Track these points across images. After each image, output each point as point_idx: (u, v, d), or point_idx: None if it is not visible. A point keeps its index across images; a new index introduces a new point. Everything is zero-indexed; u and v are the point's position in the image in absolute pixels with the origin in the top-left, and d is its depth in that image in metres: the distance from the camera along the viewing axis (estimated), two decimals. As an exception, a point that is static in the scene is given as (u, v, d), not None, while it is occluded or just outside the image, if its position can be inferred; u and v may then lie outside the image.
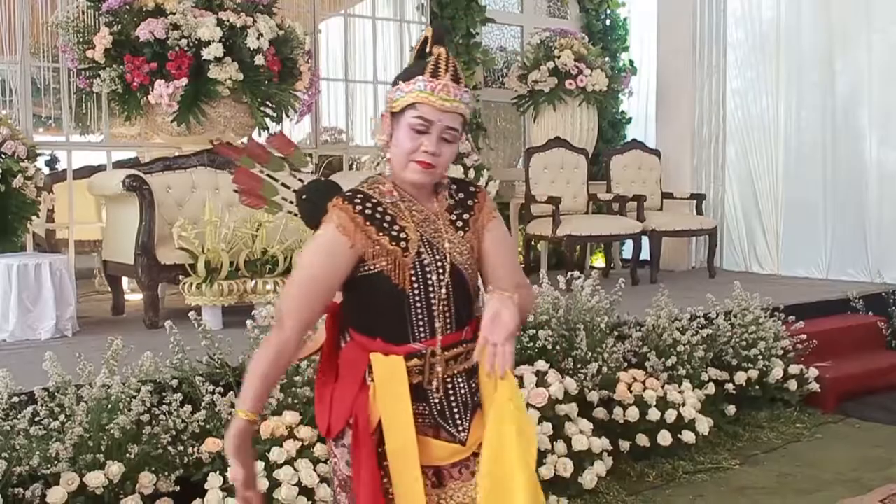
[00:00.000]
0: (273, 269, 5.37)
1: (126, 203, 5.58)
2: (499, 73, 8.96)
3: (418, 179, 2.04)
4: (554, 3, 9.46)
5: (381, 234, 2.02)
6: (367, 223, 2.02)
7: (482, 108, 8.55)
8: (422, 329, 2.04)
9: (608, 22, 9.62)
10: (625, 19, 9.78)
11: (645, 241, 7.79)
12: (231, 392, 3.66)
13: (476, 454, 2.09)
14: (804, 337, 5.65)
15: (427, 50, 2.08)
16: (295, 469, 3.38)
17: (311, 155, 7.26)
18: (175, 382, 3.64)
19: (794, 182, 8.37)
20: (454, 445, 2.09)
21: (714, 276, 8.00)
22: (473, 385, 2.12)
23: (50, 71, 6.46)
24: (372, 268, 2.02)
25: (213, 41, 5.68)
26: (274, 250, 5.39)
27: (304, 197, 2.25)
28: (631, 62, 9.63)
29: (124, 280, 6.22)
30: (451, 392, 2.08)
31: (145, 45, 5.65)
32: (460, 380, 2.10)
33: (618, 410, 4.53)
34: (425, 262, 2.04)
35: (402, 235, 2.03)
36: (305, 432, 3.50)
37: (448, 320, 2.06)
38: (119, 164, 6.58)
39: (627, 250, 8.52)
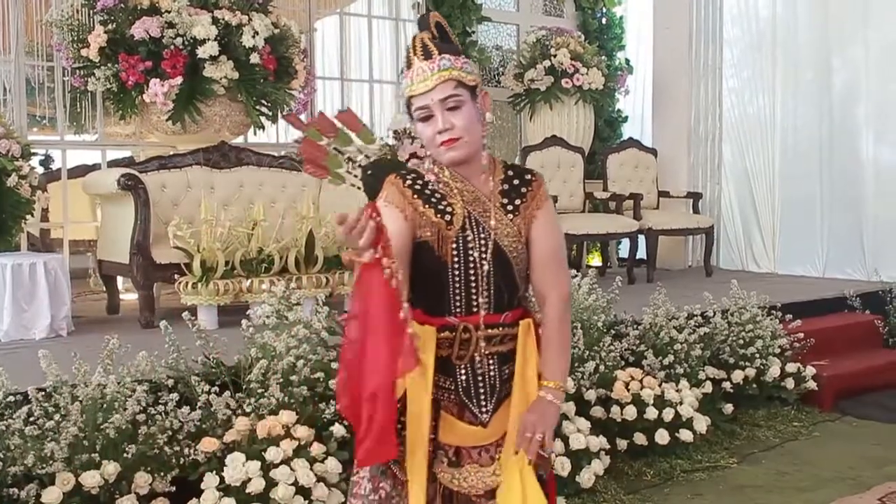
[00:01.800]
0: (269, 268, 5.35)
1: (121, 202, 5.56)
2: (495, 71, 8.95)
3: (454, 156, 2.10)
4: (550, 1, 9.46)
5: (426, 206, 2.11)
6: (415, 196, 2.11)
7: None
8: (458, 304, 2.11)
9: (604, 20, 9.61)
10: (621, 18, 9.77)
11: (641, 239, 7.78)
12: (227, 391, 3.64)
13: (499, 444, 2.13)
14: (801, 335, 5.65)
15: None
16: (291, 469, 3.36)
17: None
18: (171, 382, 3.62)
19: (791, 180, 8.37)
20: (476, 429, 2.12)
21: (711, 275, 8.00)
22: (505, 372, 2.16)
23: (44, 70, 6.45)
24: (420, 237, 2.10)
25: (209, 40, 5.66)
26: (269, 249, 5.37)
27: (369, 172, 2.32)
28: (627, 61, 9.61)
29: (119, 279, 6.20)
30: (479, 371, 2.13)
31: (140, 44, 5.63)
32: (491, 362, 2.14)
33: (615, 409, 4.52)
34: (468, 237, 2.11)
35: (448, 210, 2.11)
36: (302, 432, 3.49)
37: (486, 300, 2.11)
38: (114, 163, 6.55)
39: (624, 249, 8.52)
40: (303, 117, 7.17)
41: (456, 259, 2.09)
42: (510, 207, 2.16)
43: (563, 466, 3.95)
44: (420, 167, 2.19)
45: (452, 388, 2.12)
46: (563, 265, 2.27)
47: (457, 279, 2.10)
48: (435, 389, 2.11)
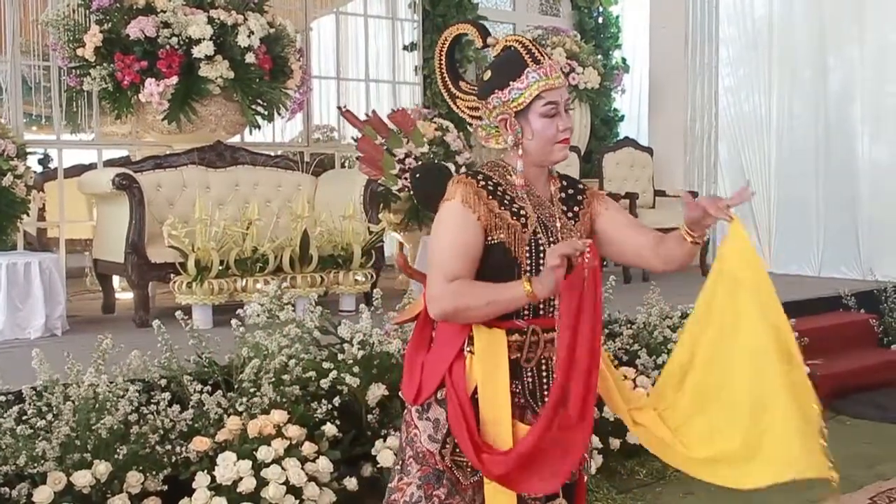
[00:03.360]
0: (263, 267, 5.36)
1: (116, 202, 5.57)
2: (491, 70, 8.93)
3: (565, 156, 2.17)
4: (546, 0, 9.46)
5: (502, 208, 2.11)
6: (490, 197, 2.11)
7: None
8: (526, 308, 2.10)
9: (600, 20, 9.62)
10: (617, 17, 9.78)
11: (637, 238, 7.77)
12: (219, 391, 3.65)
13: None
14: (796, 334, 5.62)
15: (482, 46, 2.21)
16: (283, 468, 3.37)
17: (302, 153, 7.25)
18: (163, 382, 3.62)
19: (787, 179, 8.37)
20: None
21: (706, 274, 7.95)
22: None
23: (40, 69, 6.44)
24: (493, 239, 2.09)
25: (204, 39, 5.67)
26: (264, 249, 5.38)
27: (417, 175, 2.31)
28: (623, 60, 9.63)
29: (115, 278, 6.20)
30: (544, 373, 2.14)
31: (136, 44, 5.64)
32: (553, 364, 2.13)
33: (608, 408, 4.52)
34: (540, 240, 2.12)
35: (522, 213, 2.13)
36: (293, 431, 3.49)
37: (551, 303, 2.12)
38: (110, 163, 6.56)
39: (620, 248, 8.51)
40: (298, 117, 7.20)
41: (529, 261, 2.10)
42: (570, 214, 2.21)
43: (555, 465, 3.95)
44: (497, 168, 2.17)
45: (519, 390, 2.12)
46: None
47: None
48: None
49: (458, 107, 2.26)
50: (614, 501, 4.10)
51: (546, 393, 2.13)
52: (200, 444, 3.41)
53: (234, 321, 3.92)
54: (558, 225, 2.16)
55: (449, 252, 2.07)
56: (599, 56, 8.72)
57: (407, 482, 2.14)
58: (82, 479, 3.16)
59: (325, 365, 3.84)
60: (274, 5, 6.57)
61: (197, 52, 5.67)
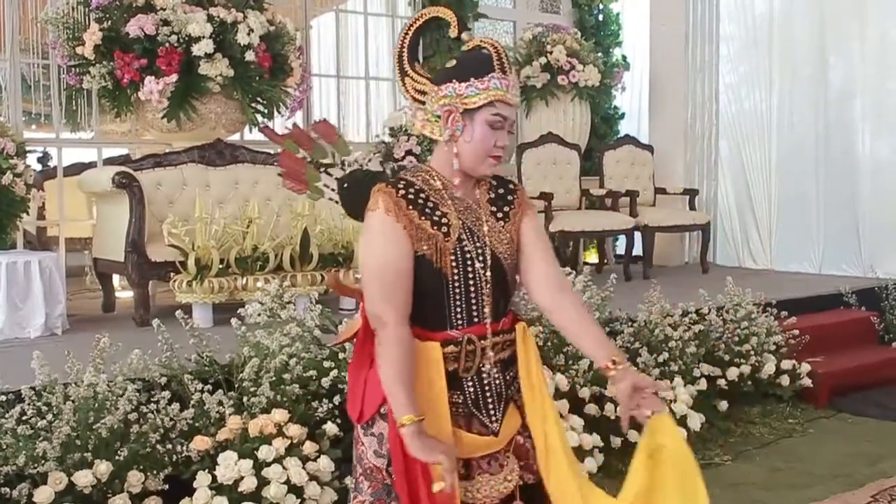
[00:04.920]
0: (263, 266, 5.35)
1: (116, 200, 5.56)
2: (491, 68, 8.91)
3: (492, 173, 2.14)
4: (546, -2, 9.44)
5: (422, 218, 2.06)
6: (410, 207, 2.05)
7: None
8: (459, 317, 2.08)
9: (601, 17, 9.59)
10: (617, 14, 9.76)
11: (638, 236, 7.78)
12: (220, 390, 3.64)
13: (506, 449, 2.13)
14: (797, 332, 5.65)
15: (457, 36, 2.15)
16: (284, 467, 3.36)
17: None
18: (163, 381, 3.62)
19: (787, 176, 8.37)
20: (487, 438, 2.10)
21: (707, 272, 8.00)
22: (509, 376, 2.15)
23: (40, 67, 6.44)
24: (416, 251, 2.05)
25: (204, 37, 5.66)
26: (264, 247, 5.37)
27: (345, 185, 2.27)
28: (623, 57, 9.60)
29: (115, 277, 6.20)
30: (486, 382, 2.11)
31: (135, 42, 5.62)
32: (495, 370, 2.12)
33: (609, 407, 4.51)
34: (466, 248, 2.08)
35: (444, 220, 2.08)
36: (294, 430, 3.48)
37: (485, 309, 2.10)
38: (109, 161, 6.56)
39: (620, 246, 8.53)
40: (298, 115, 7.18)
41: (456, 271, 2.06)
42: (500, 215, 2.16)
43: (556, 464, 3.95)
44: (420, 174, 2.13)
45: (461, 401, 2.09)
46: (559, 265, 2.31)
47: (457, 291, 2.07)
48: None
49: (405, 85, 2.19)
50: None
51: (490, 402, 2.10)
52: (201, 443, 3.40)
53: (234, 320, 3.92)
54: (485, 229, 2.12)
55: (381, 270, 2.04)
56: (600, 53, 8.69)
57: (361, 500, 2.13)
58: (83, 478, 3.15)
59: (326, 364, 3.84)
60: (274, 3, 6.56)
61: (197, 50, 5.65)
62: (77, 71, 5.90)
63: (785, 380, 5.47)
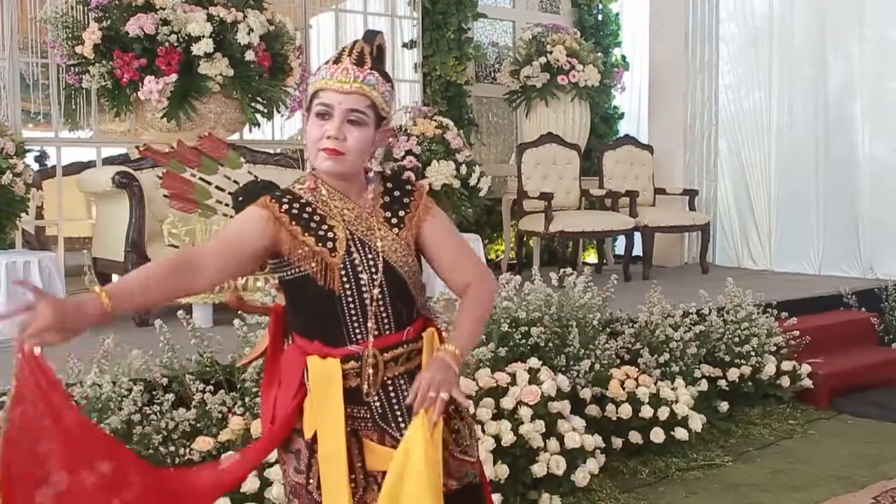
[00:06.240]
0: (264, 265, 5.33)
1: (116, 200, 5.55)
2: (490, 68, 8.93)
3: (328, 168, 1.99)
4: (546, -3, 9.45)
5: (306, 234, 1.98)
6: (293, 223, 1.98)
7: (474, 103, 8.53)
8: (358, 331, 2.01)
9: (600, 17, 9.60)
10: (617, 14, 9.77)
11: (637, 236, 7.78)
12: (221, 390, 3.63)
13: None
14: (797, 333, 5.65)
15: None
16: (286, 468, 3.35)
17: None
18: (165, 381, 3.61)
19: (787, 177, 8.37)
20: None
21: (707, 272, 8.00)
22: None
23: (39, 66, 6.41)
24: (297, 271, 1.99)
25: (203, 36, 5.64)
26: (265, 247, 5.35)
27: (240, 199, 2.22)
28: (623, 57, 9.61)
29: (114, 277, 6.17)
30: (392, 394, 2.04)
31: (134, 41, 5.60)
32: (402, 381, 2.05)
33: (610, 408, 4.52)
34: (356, 261, 2.00)
35: (330, 235, 1.99)
36: (296, 431, 3.47)
37: (385, 321, 2.02)
38: (109, 161, 6.54)
39: (620, 246, 8.52)
40: (298, 114, 7.17)
41: (347, 286, 1.98)
42: (395, 220, 2.06)
43: (558, 465, 3.95)
44: (297, 185, 2.06)
45: (368, 416, 2.02)
46: (474, 258, 2.17)
47: (351, 306, 1.99)
48: (350, 421, 2.01)
49: None
50: (617, 501, 4.10)
51: (399, 415, 2.02)
52: (203, 443, 3.40)
53: (236, 321, 3.90)
54: (379, 243, 2.02)
55: (226, 230, 2.03)
56: (599, 53, 8.69)
57: None
58: (84, 479, 3.13)
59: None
60: (273, 2, 6.54)
61: (196, 49, 5.64)
62: (76, 70, 5.88)
63: (785, 381, 5.48)
